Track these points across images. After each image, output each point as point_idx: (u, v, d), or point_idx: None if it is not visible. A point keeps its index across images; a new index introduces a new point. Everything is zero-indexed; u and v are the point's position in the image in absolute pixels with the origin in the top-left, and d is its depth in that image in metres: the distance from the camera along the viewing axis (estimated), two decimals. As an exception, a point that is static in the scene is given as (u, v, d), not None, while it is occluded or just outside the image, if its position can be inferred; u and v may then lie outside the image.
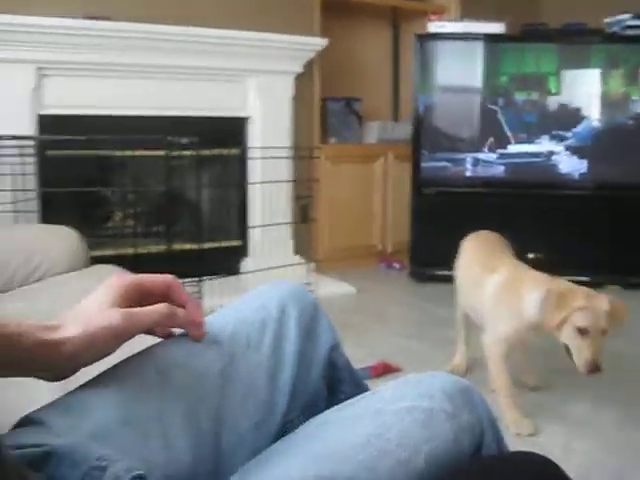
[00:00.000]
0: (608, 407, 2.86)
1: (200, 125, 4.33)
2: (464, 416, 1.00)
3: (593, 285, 4.47)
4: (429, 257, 4.80)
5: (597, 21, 4.80)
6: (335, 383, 1.21)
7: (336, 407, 1.05)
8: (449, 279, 4.69)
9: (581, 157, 4.71)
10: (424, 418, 0.97)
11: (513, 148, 4.75)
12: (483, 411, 1.04)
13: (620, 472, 2.33)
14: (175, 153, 3.78)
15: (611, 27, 4.75)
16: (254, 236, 4.62)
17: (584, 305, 2.33)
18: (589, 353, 2.30)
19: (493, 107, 4.76)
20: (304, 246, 4.66)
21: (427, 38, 4.76)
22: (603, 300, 2.35)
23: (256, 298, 1.20)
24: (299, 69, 4.67)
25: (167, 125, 4.15)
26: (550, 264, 4.59)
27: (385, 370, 3.15)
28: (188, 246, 4.07)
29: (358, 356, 3.22)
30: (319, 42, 4.64)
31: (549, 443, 2.52)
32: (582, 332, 2.32)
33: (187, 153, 3.91)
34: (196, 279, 3.58)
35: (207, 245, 4.08)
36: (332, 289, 4.48)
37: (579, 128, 4.75)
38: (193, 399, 1.02)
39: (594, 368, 2.31)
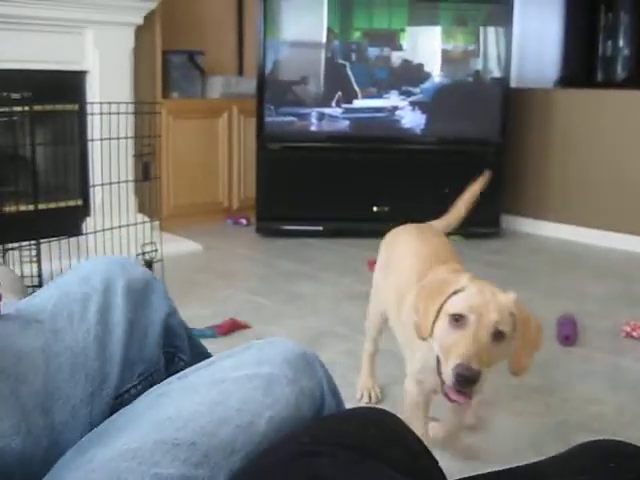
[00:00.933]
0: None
1: (34, 79, 4.08)
2: (304, 381, 1.02)
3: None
4: (276, 212, 4.80)
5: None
6: (174, 351, 1.22)
7: (177, 375, 1.04)
8: (296, 233, 4.75)
9: (424, 112, 4.81)
10: (265, 384, 0.98)
11: (358, 103, 4.79)
12: (323, 376, 1.07)
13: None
14: (5, 109, 3.55)
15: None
16: (95, 195, 4.44)
17: (464, 286, 1.67)
18: (462, 347, 1.56)
19: (342, 62, 4.76)
20: (148, 204, 4.53)
21: (270, -9, 4.69)
22: (502, 294, 1.66)
23: (79, 273, 1.17)
24: (139, 21, 4.49)
25: (-4, 78, 3.89)
26: (394, 216, 4.74)
27: (233, 327, 3.10)
28: (23, 207, 3.85)
29: (205, 314, 3.19)
30: (159, -8, 4.47)
31: (400, 392, 2.57)
32: (457, 321, 1.61)
33: (19, 109, 3.68)
34: (33, 242, 3.40)
35: (44, 206, 3.89)
36: (178, 247, 4.39)
37: (426, 84, 4.84)
38: (12, 380, 0.98)
39: (465, 374, 1.54)
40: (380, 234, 4.61)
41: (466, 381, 1.55)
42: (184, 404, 0.95)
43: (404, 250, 2.27)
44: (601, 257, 4.56)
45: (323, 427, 0.98)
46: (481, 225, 4.73)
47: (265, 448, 0.92)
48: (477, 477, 0.89)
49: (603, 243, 4.78)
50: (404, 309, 1.96)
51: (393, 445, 0.91)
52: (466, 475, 0.89)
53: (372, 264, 4.02)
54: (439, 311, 1.66)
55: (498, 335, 1.61)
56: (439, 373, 1.65)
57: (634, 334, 3.13)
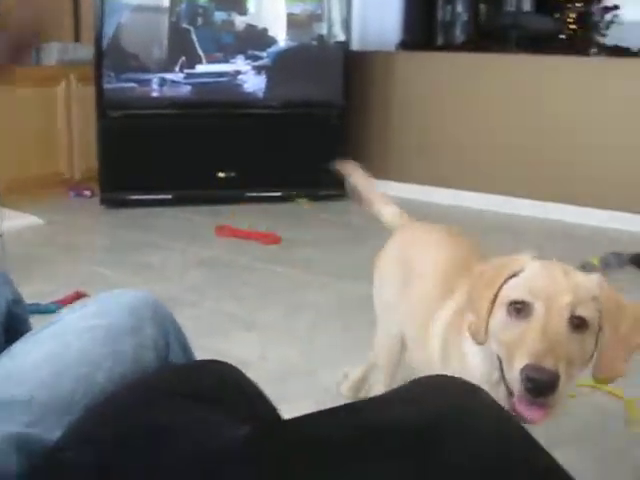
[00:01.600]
0: (301, 313, 2.98)
1: None
2: (147, 330, 1.02)
3: (286, 199, 4.73)
4: (121, 182, 4.66)
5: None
6: (16, 336, 1.16)
7: (21, 339, 1.02)
8: (143, 203, 4.63)
9: (267, 77, 4.78)
10: (104, 334, 0.98)
11: (201, 68, 4.71)
12: (170, 328, 1.08)
13: (312, 372, 2.44)
14: None
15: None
16: None
17: (524, 266, 1.30)
18: (530, 342, 1.17)
19: (187, 27, 4.66)
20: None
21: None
22: (580, 274, 1.28)
23: None
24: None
25: None
26: (241, 182, 4.73)
27: (76, 300, 3.01)
28: None
29: (49, 290, 3.07)
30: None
31: (244, 353, 2.57)
32: (519, 311, 1.23)
33: None
34: None
35: None
36: (18, 222, 4.19)
37: (271, 48, 4.81)
38: None
39: (539, 377, 1.13)
40: (227, 200, 4.64)
41: (540, 386, 1.13)
42: (27, 359, 0.94)
43: (435, 252, 1.79)
44: (441, 213, 4.70)
45: (160, 377, 0.98)
46: (328, 187, 4.79)
47: (103, 399, 0.91)
48: (303, 417, 0.89)
49: (446, 201, 4.94)
50: (436, 324, 1.55)
51: (230, 393, 0.92)
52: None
53: (220, 230, 4.02)
54: (494, 301, 1.28)
55: (578, 323, 1.20)
56: (504, 382, 1.24)
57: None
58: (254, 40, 4.78)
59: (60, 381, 0.91)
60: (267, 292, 3.21)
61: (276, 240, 3.91)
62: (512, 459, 0.72)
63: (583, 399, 2.30)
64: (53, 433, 0.86)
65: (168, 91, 4.67)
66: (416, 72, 5.08)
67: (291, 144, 4.76)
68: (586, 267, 3.44)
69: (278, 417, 0.96)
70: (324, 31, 4.91)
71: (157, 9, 4.65)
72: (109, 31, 4.54)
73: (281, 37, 4.85)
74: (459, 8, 7.00)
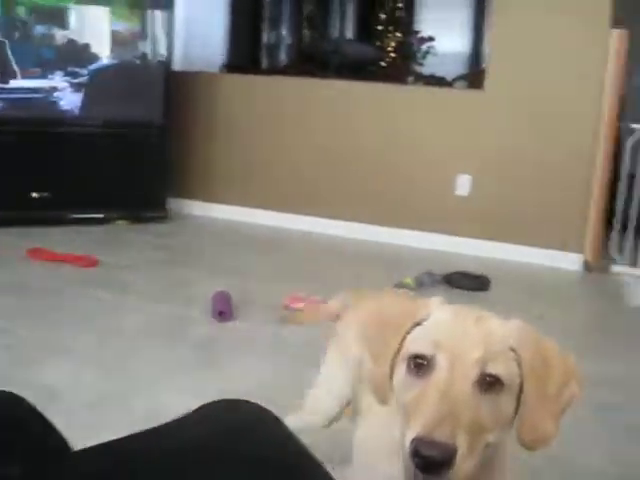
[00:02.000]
0: (115, 338, 2.91)
1: None
2: None
3: (104, 221, 4.60)
4: None
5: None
6: None
7: None
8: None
9: (86, 94, 4.65)
10: None
11: (15, 83, 4.51)
12: None
13: (126, 398, 2.38)
14: None
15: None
16: None
17: (430, 312, 1.12)
18: (424, 408, 0.98)
19: (2, 39, 4.44)
20: None
21: None
22: (496, 320, 1.10)
23: None
24: None
25: None
26: (57, 203, 4.55)
27: None
28: None
29: None
30: None
31: (57, 380, 2.46)
32: (419, 366, 1.05)
33: None
34: None
35: None
36: None
37: (92, 65, 4.68)
38: None
39: (426, 453, 0.93)
40: (41, 222, 4.45)
41: (430, 463, 0.93)
42: None
43: None
44: (262, 235, 4.74)
45: None
46: (148, 209, 4.72)
47: None
48: (100, 445, 0.87)
49: (266, 222, 4.97)
50: None
51: (9, 427, 0.87)
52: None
53: (33, 253, 3.85)
54: (397, 353, 1.09)
55: (488, 382, 1.01)
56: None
57: (292, 306, 3.29)
58: (74, 56, 4.64)
59: None
60: (82, 317, 3.11)
61: (92, 263, 3.79)
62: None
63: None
64: None
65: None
66: (240, 94, 5.11)
67: (110, 164, 4.64)
68: (401, 287, 3.57)
69: (67, 449, 0.92)
70: (147, 49, 4.84)
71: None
72: None
73: (103, 54, 4.73)
74: (284, 32, 7.12)
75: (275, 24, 7.06)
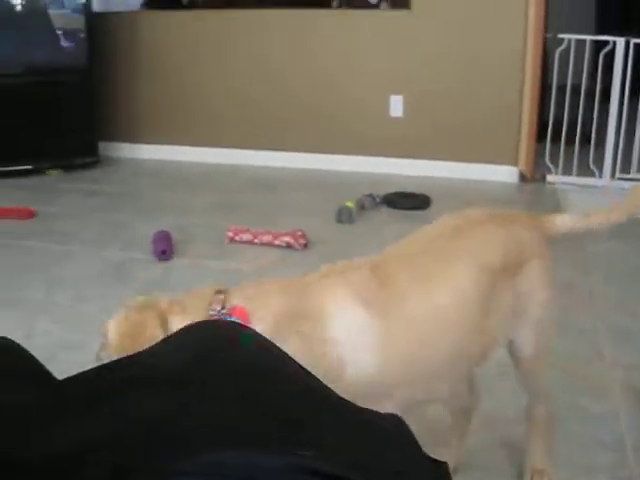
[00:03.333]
0: (62, 286, 2.88)
1: None
2: None
3: (36, 172, 4.48)
4: None
5: None
6: None
7: None
8: None
9: (6, 41, 4.47)
10: None
11: None
12: None
13: (81, 344, 2.37)
14: None
15: None
16: None
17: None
18: None
19: None
20: None
21: None
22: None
23: None
24: None
25: None
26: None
27: None
28: None
29: None
30: None
31: (9, 332, 2.43)
32: None
33: None
34: None
35: None
36: None
37: (9, 11, 4.51)
38: None
39: None
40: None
41: None
42: None
43: None
44: (197, 172, 4.69)
45: None
46: (78, 156, 4.62)
47: None
48: (73, 378, 0.87)
49: (197, 159, 4.92)
50: None
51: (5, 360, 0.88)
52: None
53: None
54: None
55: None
56: None
57: (237, 238, 3.29)
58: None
59: None
60: (26, 269, 3.06)
61: (29, 214, 3.72)
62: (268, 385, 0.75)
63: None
64: None
65: None
66: (160, 31, 4.98)
67: (36, 113, 4.51)
68: (343, 211, 3.59)
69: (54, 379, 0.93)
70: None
71: None
72: None
73: (18, 1, 4.55)
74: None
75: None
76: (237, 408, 0.72)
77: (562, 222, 1.58)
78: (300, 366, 0.83)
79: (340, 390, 0.76)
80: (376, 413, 0.78)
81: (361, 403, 0.76)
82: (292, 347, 0.97)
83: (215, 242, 3.32)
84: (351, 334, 1.24)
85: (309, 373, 0.82)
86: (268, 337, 0.90)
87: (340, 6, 4.92)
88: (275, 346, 0.86)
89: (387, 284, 1.29)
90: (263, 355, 0.84)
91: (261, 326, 1.16)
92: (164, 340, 0.92)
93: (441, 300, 1.33)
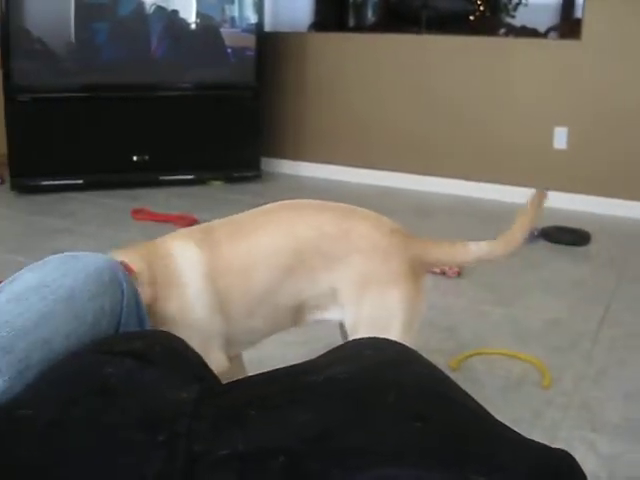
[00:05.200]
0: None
1: None
2: (106, 296, 1.02)
3: (199, 182, 4.70)
4: (31, 168, 4.54)
5: None
6: None
7: None
8: (55, 188, 4.54)
9: (181, 59, 4.73)
10: (66, 298, 0.97)
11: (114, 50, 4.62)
12: (125, 289, 1.07)
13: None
14: None
15: None
16: None
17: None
18: None
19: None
20: None
21: None
22: None
23: None
24: None
25: None
26: (155, 165, 4.68)
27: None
28: None
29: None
30: None
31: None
32: None
33: None
34: None
35: None
36: None
37: (185, 31, 4.78)
38: None
39: None
40: (141, 183, 4.59)
41: None
42: None
43: None
44: (352, 192, 4.74)
45: (114, 341, 0.99)
46: (242, 169, 4.81)
47: (58, 362, 0.91)
48: (244, 381, 0.92)
49: (353, 179, 4.99)
50: None
51: (177, 359, 0.95)
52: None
53: (136, 213, 3.99)
54: None
55: None
56: None
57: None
58: (165, 22, 4.72)
59: (18, 343, 0.90)
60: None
61: (192, 222, 3.89)
62: (437, 408, 0.77)
63: (497, 366, 2.38)
64: (5, 394, 0.86)
65: (78, 73, 4.56)
66: (328, 53, 5.11)
67: (205, 126, 4.73)
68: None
69: (220, 381, 0.99)
70: (236, 13, 4.91)
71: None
72: (16, 13, 4.40)
73: (192, 19, 4.81)
74: (370, -11, 7.06)
75: (361, -18, 7.01)
76: (410, 426, 0.74)
77: (478, 248, 1.78)
78: (458, 386, 0.84)
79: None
80: (545, 446, 0.78)
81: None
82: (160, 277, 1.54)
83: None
84: (190, 264, 1.61)
85: (467, 394, 0.83)
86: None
87: (507, 34, 4.89)
88: (436, 368, 0.88)
89: (213, 234, 1.68)
90: (430, 375, 0.85)
91: (140, 265, 1.52)
92: (335, 350, 0.95)
93: (250, 247, 1.67)
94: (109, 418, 0.78)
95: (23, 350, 0.89)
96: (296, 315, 1.72)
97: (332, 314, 1.71)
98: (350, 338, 1.60)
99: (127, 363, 0.87)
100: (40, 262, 1.07)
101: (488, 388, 2.23)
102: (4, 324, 0.91)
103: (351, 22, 6.50)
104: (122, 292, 1.06)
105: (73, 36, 4.56)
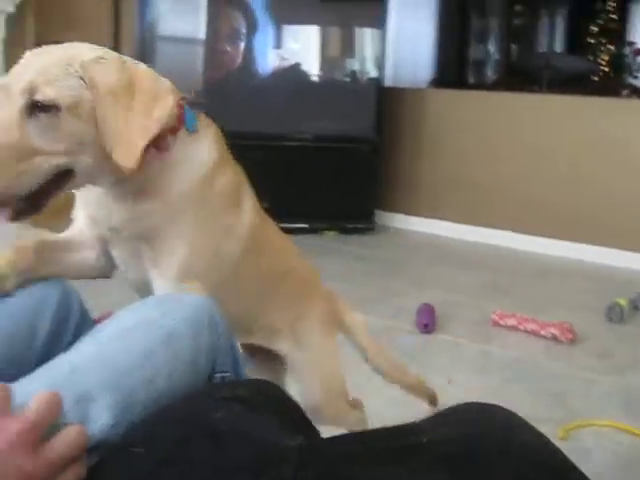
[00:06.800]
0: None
1: None
2: (204, 336, 1.04)
3: (312, 230, 4.77)
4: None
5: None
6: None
7: (87, 335, 1.05)
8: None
9: (300, 110, 4.85)
10: (167, 339, 1.00)
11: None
12: (223, 330, 1.08)
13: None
14: None
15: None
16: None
17: None
18: None
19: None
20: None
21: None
22: (60, 50, 1.15)
23: None
24: (10, 8, 4.35)
25: None
26: (272, 213, 4.75)
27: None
28: None
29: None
30: (30, -19, 4.36)
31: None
32: None
33: None
34: None
35: None
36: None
37: (305, 82, 4.91)
38: None
39: None
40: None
41: None
42: (93, 355, 0.96)
43: None
44: (469, 250, 4.72)
45: (221, 387, 1.03)
46: (355, 220, 4.85)
47: (168, 403, 0.94)
48: (346, 436, 0.93)
49: (471, 237, 4.94)
50: None
51: (280, 408, 0.97)
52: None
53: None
54: None
55: (40, 107, 1.07)
56: None
57: (501, 322, 3.27)
58: (288, 74, 4.87)
59: (122, 382, 0.92)
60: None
61: (305, 270, 3.95)
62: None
63: (607, 439, 2.31)
64: (113, 430, 0.89)
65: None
66: (447, 109, 5.13)
67: (322, 177, 4.81)
68: (614, 309, 3.45)
69: (317, 432, 1.00)
70: (356, 67, 5.00)
71: (191, 39, 4.77)
72: (150, 61, 4.62)
73: (313, 72, 4.93)
74: (491, 47, 7.07)
75: (482, 38, 7.03)
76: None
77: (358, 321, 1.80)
78: (567, 458, 0.82)
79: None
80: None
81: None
82: None
83: (478, 323, 3.31)
84: None
85: (575, 467, 0.82)
86: None
87: (630, 95, 4.81)
88: (545, 437, 0.87)
89: None
90: (538, 444, 0.84)
91: None
92: (443, 413, 0.95)
93: None
94: (218, 460, 0.80)
95: (128, 388, 0.92)
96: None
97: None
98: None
99: (235, 409, 0.89)
100: (138, 302, 1.10)
101: (596, 462, 2.16)
102: (108, 363, 0.94)
103: (471, 79, 6.52)
104: (218, 333, 1.07)
105: (200, 84, 4.76)
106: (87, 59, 1.10)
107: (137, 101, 1.11)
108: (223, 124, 4.36)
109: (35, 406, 0.81)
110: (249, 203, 1.46)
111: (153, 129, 1.12)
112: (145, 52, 4.60)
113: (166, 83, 1.21)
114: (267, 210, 4.88)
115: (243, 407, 0.90)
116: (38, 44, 1.20)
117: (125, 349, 0.97)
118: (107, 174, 1.16)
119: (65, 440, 0.82)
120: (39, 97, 1.05)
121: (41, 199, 1.12)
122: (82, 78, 1.08)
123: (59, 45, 1.16)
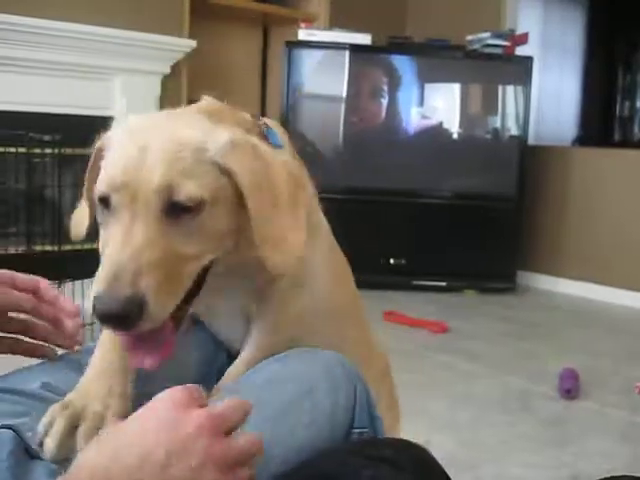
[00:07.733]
0: (465, 404, 2.98)
1: (63, 122, 4.19)
2: (342, 391, 1.07)
3: (451, 289, 4.75)
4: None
5: (459, 38, 4.98)
6: None
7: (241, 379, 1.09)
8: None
9: (441, 168, 4.88)
10: (308, 389, 1.03)
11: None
12: (360, 389, 1.11)
13: (475, 465, 2.44)
14: (36, 150, 3.65)
15: (472, 44, 4.94)
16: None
17: (111, 135, 1.09)
18: (106, 258, 0.88)
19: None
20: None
21: (296, 45, 4.82)
22: (196, 129, 0.98)
23: None
24: (166, 70, 4.62)
25: (28, 121, 4.00)
26: (409, 269, 4.80)
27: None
28: (49, 247, 3.93)
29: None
30: (187, 43, 4.60)
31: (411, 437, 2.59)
32: (107, 208, 0.93)
33: (49, 151, 3.78)
34: (56, 282, 3.46)
35: (68, 247, 3.95)
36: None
37: (447, 140, 4.94)
38: None
39: (105, 310, 0.85)
40: (395, 286, 4.71)
41: (110, 318, 0.85)
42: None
43: None
44: (616, 315, 4.58)
45: (365, 446, 1.04)
46: (496, 280, 4.80)
47: (310, 458, 0.97)
48: None
49: (618, 301, 4.78)
50: None
51: (424, 469, 1.01)
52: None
53: (388, 315, 4.10)
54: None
55: (182, 208, 0.90)
56: None
57: (647, 392, 3.15)
58: (429, 131, 4.91)
59: (266, 429, 0.94)
60: (432, 380, 3.24)
61: (443, 329, 3.94)
62: None
63: None
64: None
65: (343, 176, 4.81)
66: (592, 168, 5.02)
67: (462, 235, 4.80)
68: None
69: None
70: (498, 124, 4.99)
71: (332, 98, 4.91)
72: (295, 117, 4.80)
73: (455, 129, 4.96)
74: (638, 103, 6.89)
75: (629, 95, 6.88)
76: None
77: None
78: None
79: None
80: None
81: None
82: None
83: (623, 391, 3.19)
84: None
85: None
86: None
87: None
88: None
89: None
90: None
91: None
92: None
93: None
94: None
95: (270, 435, 0.94)
96: None
97: None
98: None
99: (383, 469, 0.92)
100: (282, 354, 1.12)
101: None
102: (258, 409, 0.94)
103: (617, 136, 6.38)
104: (355, 389, 1.09)
105: (341, 140, 4.87)
106: (221, 143, 0.94)
107: (280, 191, 0.98)
108: (362, 180, 4.54)
109: (226, 404, 0.85)
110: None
111: (301, 221, 1.01)
112: (289, 109, 4.76)
113: (291, 165, 1.08)
114: (405, 267, 4.98)
115: (390, 467, 0.92)
116: (190, 102, 1.18)
117: (272, 398, 1.01)
118: (243, 260, 1.03)
119: (248, 438, 0.84)
120: (182, 198, 0.89)
121: (188, 298, 0.96)
122: (217, 164, 0.94)
123: (158, 117, 1.03)
